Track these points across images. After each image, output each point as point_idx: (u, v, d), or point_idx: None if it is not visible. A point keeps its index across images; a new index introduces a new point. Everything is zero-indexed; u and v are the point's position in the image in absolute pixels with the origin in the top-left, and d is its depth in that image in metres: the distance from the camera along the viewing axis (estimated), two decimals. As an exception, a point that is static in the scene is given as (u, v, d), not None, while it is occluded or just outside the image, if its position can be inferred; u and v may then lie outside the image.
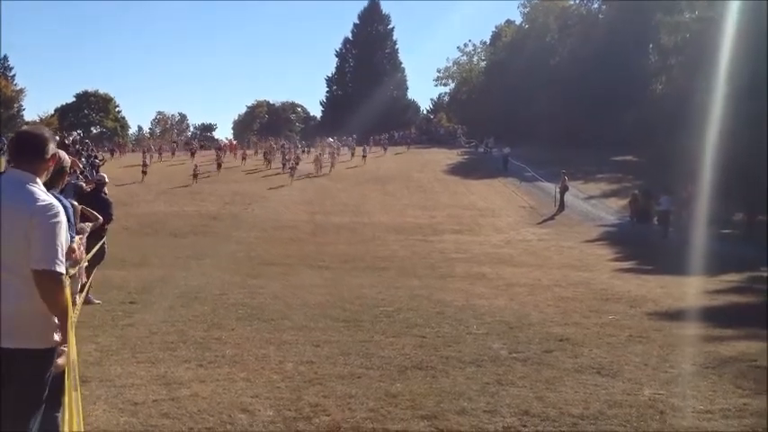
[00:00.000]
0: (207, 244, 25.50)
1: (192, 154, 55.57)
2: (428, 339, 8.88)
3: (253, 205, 35.59)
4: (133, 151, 64.94)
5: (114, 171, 40.40)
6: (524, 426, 5.54)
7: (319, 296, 12.68)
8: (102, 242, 10.66)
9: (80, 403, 3.65)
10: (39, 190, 3.42)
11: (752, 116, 27.76)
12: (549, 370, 7.35)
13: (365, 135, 63.36)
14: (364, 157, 53.17)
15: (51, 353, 3.45)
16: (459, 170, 48.33)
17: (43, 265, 3.21)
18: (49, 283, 3.24)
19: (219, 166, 47.17)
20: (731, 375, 7.25)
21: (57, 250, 3.26)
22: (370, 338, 8.85)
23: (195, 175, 42.75)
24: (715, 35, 33.88)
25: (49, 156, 3.55)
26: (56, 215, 3.34)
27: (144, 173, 43.93)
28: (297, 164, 46.91)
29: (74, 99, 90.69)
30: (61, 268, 3.25)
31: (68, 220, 4.59)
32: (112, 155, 56.96)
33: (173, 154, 59.24)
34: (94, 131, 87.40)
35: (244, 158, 53.68)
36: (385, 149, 59.16)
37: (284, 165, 47.42)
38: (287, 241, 26.65)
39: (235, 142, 68.52)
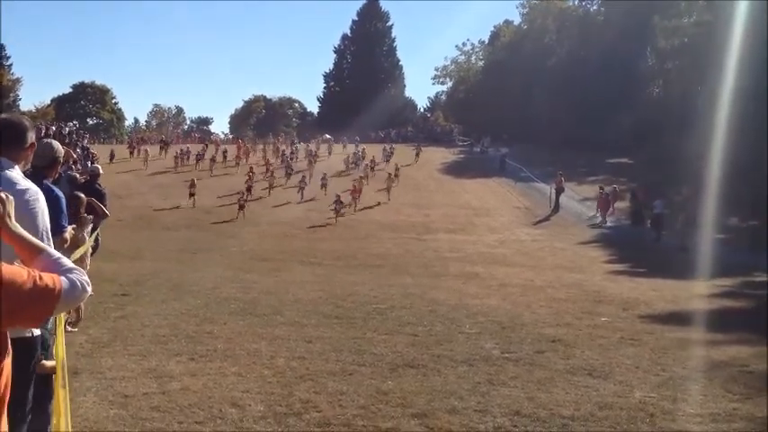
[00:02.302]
0: (200, 238, 25.47)
1: (198, 160, 46.25)
2: (420, 338, 8.88)
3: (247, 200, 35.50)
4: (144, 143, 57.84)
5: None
6: (515, 426, 5.55)
7: (312, 292, 12.66)
8: (95, 234, 10.64)
9: (68, 404, 3.63)
10: (17, 175, 3.40)
11: (751, 119, 27.86)
12: (541, 371, 7.35)
13: (362, 132, 63.22)
14: (387, 161, 46.51)
15: (34, 342, 3.43)
16: (455, 169, 48.33)
17: None
18: None
19: (249, 189, 35.89)
20: (722, 379, 7.27)
21: (40, 237, 3.23)
22: (362, 336, 8.85)
23: (242, 206, 32.44)
24: (713, 39, 33.99)
25: (28, 144, 3.54)
26: (36, 200, 3.32)
27: (192, 194, 34.61)
28: (324, 185, 37.39)
29: (71, 90, 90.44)
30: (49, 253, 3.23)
31: (61, 211, 4.57)
32: (112, 159, 45.67)
33: (189, 159, 47.31)
34: (90, 123, 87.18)
35: (268, 169, 42.13)
36: (388, 159, 48.50)
37: (301, 189, 37.16)
38: (281, 237, 26.61)
39: (241, 142, 55.96)
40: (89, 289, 2.31)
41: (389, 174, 39.54)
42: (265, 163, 44.90)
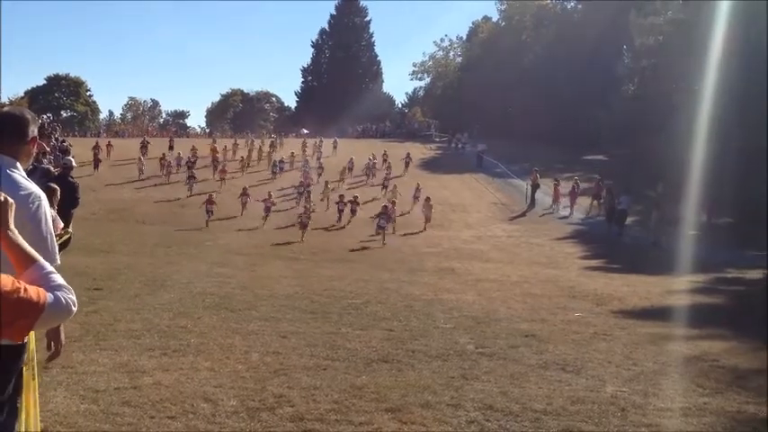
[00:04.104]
0: (175, 232, 25.30)
1: (190, 170, 37.95)
2: (395, 333, 8.88)
3: (224, 194, 35.24)
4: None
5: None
6: (487, 420, 5.56)
7: (288, 287, 12.62)
8: (68, 228, 10.53)
9: (37, 397, 3.58)
10: (20, 177, 3.29)
11: (726, 118, 28.17)
12: (515, 365, 7.39)
13: (339, 128, 63.11)
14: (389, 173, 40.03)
15: (21, 349, 3.38)
16: (432, 165, 48.38)
17: None
18: None
19: (268, 209, 30.00)
20: (693, 374, 7.35)
21: (47, 243, 3.15)
22: (337, 330, 8.84)
23: (304, 225, 26.27)
24: (688, 37, 34.31)
25: (29, 138, 3.42)
26: (40, 205, 3.22)
27: (210, 212, 29.41)
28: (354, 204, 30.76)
29: (44, 82, 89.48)
30: (54, 260, 3.14)
31: None
32: (96, 166, 39.24)
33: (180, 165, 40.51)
34: (65, 115, 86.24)
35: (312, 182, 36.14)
36: (389, 170, 41.37)
37: (340, 213, 30.62)
38: (257, 231, 26.49)
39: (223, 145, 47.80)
40: (74, 309, 2.27)
41: (427, 198, 31.67)
42: (302, 182, 36.50)
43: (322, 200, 33.31)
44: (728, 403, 6.30)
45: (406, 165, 44.79)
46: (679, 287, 15.58)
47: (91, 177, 35.32)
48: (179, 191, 35.13)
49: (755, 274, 19.20)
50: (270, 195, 31.20)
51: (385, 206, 27.07)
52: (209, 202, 29.81)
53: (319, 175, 38.21)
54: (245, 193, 32.02)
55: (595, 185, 34.97)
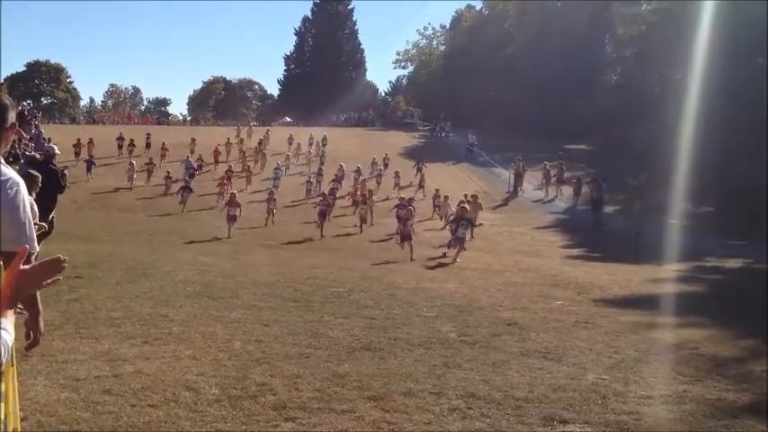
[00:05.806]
0: (157, 220, 25.12)
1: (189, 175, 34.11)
2: (378, 321, 8.89)
3: (206, 182, 35.05)
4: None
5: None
6: (469, 408, 5.58)
7: (270, 275, 12.60)
8: (50, 215, 10.47)
9: (16, 385, 3.54)
10: None
11: (708, 107, 28.32)
12: (496, 353, 7.41)
13: (323, 116, 62.80)
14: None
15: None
16: (415, 153, 48.22)
17: (14, 248, 3.06)
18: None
19: (324, 218, 24.58)
20: (673, 362, 7.40)
21: (26, 228, 3.11)
22: (319, 319, 8.84)
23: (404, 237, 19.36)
24: (670, 27, 34.45)
25: (8, 124, 3.37)
26: (18, 191, 3.18)
27: (233, 217, 22.34)
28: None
29: (24, 68, 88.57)
30: (33, 247, 3.10)
31: None
32: (89, 169, 35.21)
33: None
34: (45, 102, 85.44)
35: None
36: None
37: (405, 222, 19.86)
38: (240, 219, 26.34)
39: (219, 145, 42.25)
40: (3, 360, 2.24)
41: (474, 195, 26.90)
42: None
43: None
44: (708, 391, 6.35)
45: (419, 170, 38.41)
46: (660, 276, 15.70)
47: (75, 168, 34.17)
48: (162, 180, 34.12)
49: (735, 264, 19.41)
50: (323, 196, 27.03)
51: (463, 207, 20.94)
52: (231, 203, 22.58)
53: (336, 186, 32.70)
54: (271, 198, 27.13)
55: (558, 169, 36.14)
